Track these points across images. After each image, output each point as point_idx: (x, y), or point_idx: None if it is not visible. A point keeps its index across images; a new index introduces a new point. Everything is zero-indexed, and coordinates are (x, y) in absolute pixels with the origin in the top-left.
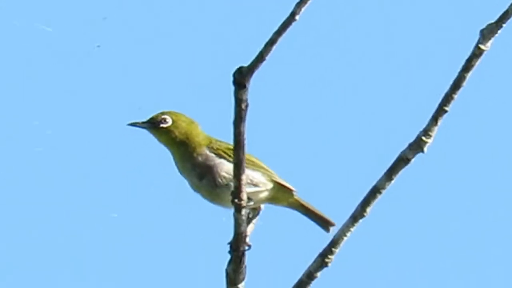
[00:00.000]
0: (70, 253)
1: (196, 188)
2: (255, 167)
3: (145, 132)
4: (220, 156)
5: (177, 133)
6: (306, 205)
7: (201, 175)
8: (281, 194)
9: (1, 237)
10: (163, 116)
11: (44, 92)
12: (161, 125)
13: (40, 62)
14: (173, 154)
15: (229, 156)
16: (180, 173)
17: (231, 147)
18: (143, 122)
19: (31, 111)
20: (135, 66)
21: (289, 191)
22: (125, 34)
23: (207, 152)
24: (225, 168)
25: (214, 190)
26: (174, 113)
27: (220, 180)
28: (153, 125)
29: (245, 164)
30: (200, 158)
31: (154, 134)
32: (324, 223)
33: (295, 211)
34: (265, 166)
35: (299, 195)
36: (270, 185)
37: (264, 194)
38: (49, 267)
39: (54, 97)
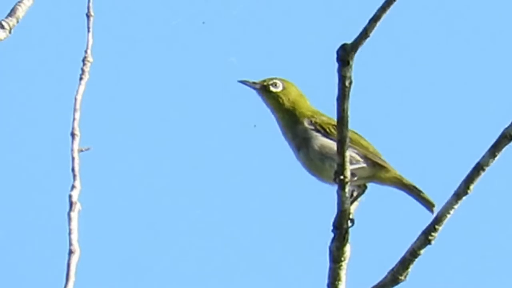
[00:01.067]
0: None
1: (298, 158)
2: (358, 145)
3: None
4: (318, 130)
5: (285, 100)
6: (408, 184)
7: (298, 147)
8: (381, 172)
9: None
10: (274, 80)
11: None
12: (272, 89)
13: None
14: (278, 120)
15: (328, 130)
16: (285, 138)
17: (333, 122)
18: (254, 82)
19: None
20: (242, 40)
21: (389, 170)
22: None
23: (306, 124)
24: (319, 142)
25: (309, 163)
26: (286, 80)
27: (312, 154)
28: (264, 87)
29: (348, 141)
30: (299, 130)
31: (263, 97)
32: (427, 203)
33: (400, 190)
34: (363, 143)
35: (403, 174)
36: (365, 162)
37: (363, 171)
38: None
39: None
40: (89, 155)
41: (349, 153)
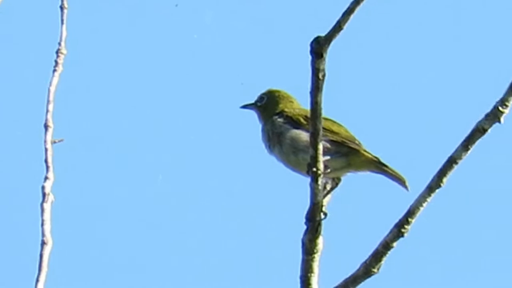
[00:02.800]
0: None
1: (276, 157)
2: (329, 131)
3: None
4: (288, 122)
5: (268, 110)
6: (385, 167)
7: (273, 144)
8: (357, 158)
9: None
10: (261, 95)
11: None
12: (259, 104)
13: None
14: (261, 128)
15: (298, 120)
16: (265, 145)
17: (304, 112)
18: (251, 104)
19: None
20: (216, 24)
21: (362, 154)
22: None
23: (275, 119)
24: (290, 135)
25: (284, 158)
26: (272, 90)
27: (285, 148)
28: (255, 105)
29: (322, 133)
30: (272, 127)
31: (256, 112)
32: (402, 183)
33: (378, 174)
34: (338, 130)
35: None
36: (344, 151)
37: (341, 162)
38: None
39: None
40: (62, 147)
41: (322, 144)
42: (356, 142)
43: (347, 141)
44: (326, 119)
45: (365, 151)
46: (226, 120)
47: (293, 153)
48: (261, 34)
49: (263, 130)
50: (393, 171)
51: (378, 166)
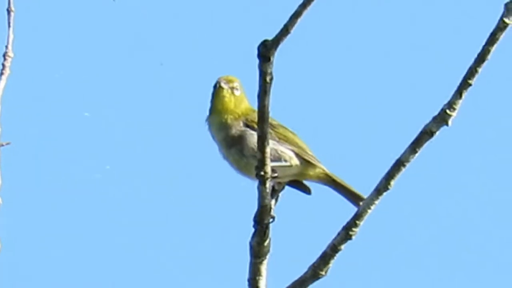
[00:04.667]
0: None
1: (226, 156)
2: (285, 141)
3: None
4: (253, 128)
5: (237, 104)
6: (337, 180)
7: (231, 144)
8: (310, 170)
9: None
10: (235, 84)
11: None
12: (234, 93)
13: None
14: (215, 119)
15: (254, 128)
16: (213, 138)
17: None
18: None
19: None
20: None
21: (318, 168)
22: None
23: (242, 124)
24: (254, 140)
25: (242, 160)
26: (239, 82)
27: (247, 151)
28: (231, 90)
29: (269, 137)
30: (234, 129)
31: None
32: (354, 198)
33: (325, 186)
34: (297, 141)
35: (329, 170)
36: (297, 161)
37: (291, 170)
38: None
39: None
40: (9, 150)
41: (285, 150)
42: (309, 153)
43: (306, 154)
44: (290, 131)
45: (320, 167)
46: (171, 117)
47: (252, 157)
48: (209, 37)
49: (220, 125)
50: (348, 187)
51: (335, 183)
